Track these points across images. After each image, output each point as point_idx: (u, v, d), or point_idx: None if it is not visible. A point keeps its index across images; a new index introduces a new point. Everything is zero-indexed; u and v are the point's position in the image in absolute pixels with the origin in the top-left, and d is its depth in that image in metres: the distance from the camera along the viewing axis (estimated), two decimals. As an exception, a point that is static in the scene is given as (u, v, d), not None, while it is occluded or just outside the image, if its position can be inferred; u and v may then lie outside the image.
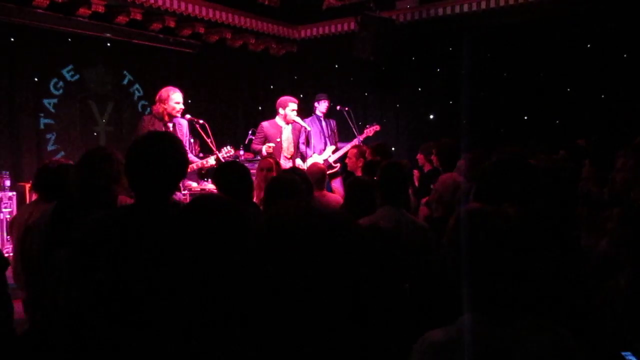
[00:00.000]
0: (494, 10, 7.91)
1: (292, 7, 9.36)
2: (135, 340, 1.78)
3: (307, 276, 1.24)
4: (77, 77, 7.92)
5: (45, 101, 7.60)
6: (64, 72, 7.78)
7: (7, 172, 6.59)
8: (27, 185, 6.30)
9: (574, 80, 7.60)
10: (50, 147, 7.61)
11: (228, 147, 5.95)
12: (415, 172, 6.50)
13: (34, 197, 4.03)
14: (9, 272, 2.65)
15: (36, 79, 7.46)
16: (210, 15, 8.29)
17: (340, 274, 1.26)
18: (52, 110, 7.67)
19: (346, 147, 6.94)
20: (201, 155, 6.65)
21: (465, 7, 8.12)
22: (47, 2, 7.04)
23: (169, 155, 2.08)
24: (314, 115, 7.38)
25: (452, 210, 3.39)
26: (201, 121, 5.73)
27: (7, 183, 6.47)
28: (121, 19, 7.79)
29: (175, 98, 5.35)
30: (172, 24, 8.19)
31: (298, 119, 6.51)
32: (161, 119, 5.35)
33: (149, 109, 7.77)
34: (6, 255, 4.54)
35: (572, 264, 2.21)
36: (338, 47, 9.22)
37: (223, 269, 1.52)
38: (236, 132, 9.56)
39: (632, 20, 6.95)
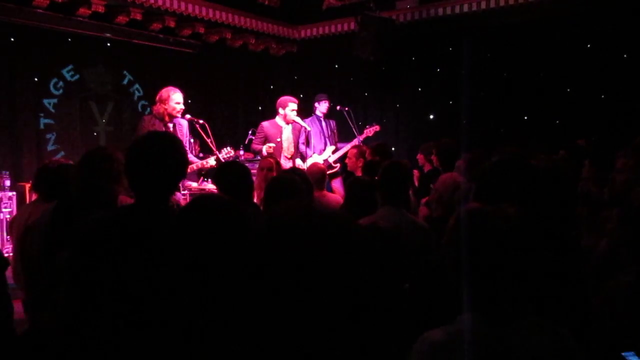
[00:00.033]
0: (494, 10, 7.91)
1: (292, 7, 9.36)
2: (136, 341, 1.78)
3: (307, 276, 1.24)
4: (77, 77, 7.93)
5: (45, 101, 7.60)
6: (64, 72, 7.78)
7: (7, 172, 6.60)
8: (27, 185, 6.30)
9: (574, 80, 7.59)
10: (50, 147, 7.61)
11: (228, 147, 5.95)
12: (415, 172, 6.50)
13: (34, 197, 4.03)
14: (8, 272, 2.65)
15: (36, 79, 7.46)
16: (210, 15, 8.29)
17: (340, 274, 1.26)
18: (52, 110, 7.67)
19: (346, 147, 6.94)
20: (201, 155, 6.66)
21: (465, 7, 8.12)
22: (47, 2, 7.05)
23: (169, 156, 2.08)
24: (314, 116, 7.38)
25: (451, 210, 3.39)
26: (201, 121, 5.73)
27: (7, 183, 6.48)
28: (121, 19, 7.79)
29: (175, 98, 5.35)
30: (172, 24, 8.19)
31: (298, 119, 6.51)
32: (161, 119, 5.35)
33: (149, 109, 7.78)
34: (6, 255, 4.55)
35: (572, 264, 2.21)
36: (338, 47, 9.22)
37: (223, 269, 1.52)
38: (236, 132, 9.56)
39: (632, 20, 6.95)
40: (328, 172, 6.06)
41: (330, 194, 5.25)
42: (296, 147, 6.65)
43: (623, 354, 1.78)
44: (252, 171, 3.98)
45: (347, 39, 8.89)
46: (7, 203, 6.31)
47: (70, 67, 7.83)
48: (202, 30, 8.59)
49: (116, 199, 2.80)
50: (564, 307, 1.96)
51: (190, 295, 1.52)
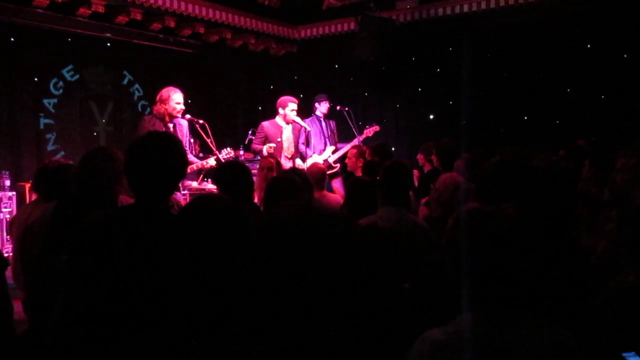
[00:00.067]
0: (494, 10, 7.91)
1: (292, 7, 9.36)
2: (135, 341, 1.78)
3: (307, 276, 1.24)
4: (77, 77, 7.93)
5: (45, 101, 7.60)
6: (64, 72, 7.78)
7: (7, 172, 6.60)
8: (27, 185, 6.30)
9: (574, 80, 7.59)
10: (50, 147, 7.61)
11: (228, 148, 5.95)
12: (415, 172, 6.50)
13: (34, 197, 4.03)
14: (8, 272, 2.65)
15: (36, 79, 7.46)
16: (210, 15, 8.29)
17: (339, 274, 1.26)
18: (52, 110, 7.67)
19: (346, 148, 6.94)
20: (201, 155, 6.65)
21: (465, 7, 8.12)
22: (47, 2, 7.05)
23: (168, 156, 2.08)
24: (314, 116, 7.38)
25: (450, 210, 3.39)
26: (201, 121, 5.73)
27: (7, 183, 6.48)
28: (121, 19, 7.79)
29: (176, 98, 5.36)
30: (172, 24, 8.19)
31: (298, 119, 6.51)
32: (162, 119, 5.35)
33: (149, 109, 7.79)
34: (6, 255, 4.55)
35: (572, 264, 2.21)
36: (338, 47, 9.21)
37: (223, 269, 1.52)
38: (236, 132, 9.56)
39: (632, 20, 6.95)
40: (328, 172, 6.06)
41: (330, 194, 5.26)
42: (296, 147, 6.65)
43: (623, 354, 1.78)
44: (253, 171, 3.98)
45: (347, 39, 8.89)
46: (7, 203, 6.31)
47: (70, 67, 7.83)
48: (202, 30, 8.59)
49: (116, 198, 2.80)
50: (564, 307, 1.96)
51: (190, 295, 1.52)
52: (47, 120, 7.60)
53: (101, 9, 7.37)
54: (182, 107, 5.39)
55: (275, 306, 1.26)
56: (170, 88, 5.43)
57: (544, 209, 2.15)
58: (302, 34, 9.77)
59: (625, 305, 2.03)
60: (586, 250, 2.66)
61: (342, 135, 7.64)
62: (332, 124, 7.47)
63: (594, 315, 2.04)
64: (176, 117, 5.41)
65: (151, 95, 6.16)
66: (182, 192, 5.53)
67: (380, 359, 1.76)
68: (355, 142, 7.09)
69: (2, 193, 6.31)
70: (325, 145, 7.21)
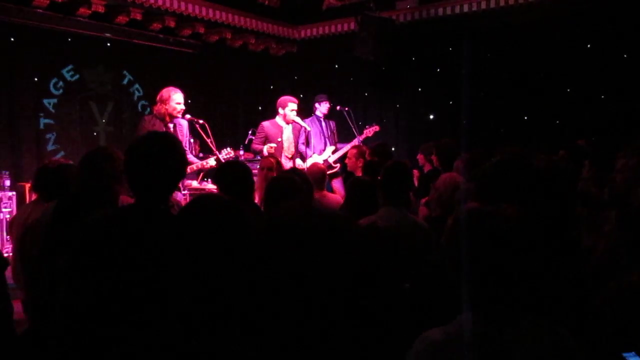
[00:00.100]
0: (494, 10, 7.91)
1: (292, 7, 9.36)
2: (135, 341, 1.78)
3: (307, 276, 1.24)
4: (77, 77, 7.93)
5: (45, 101, 7.60)
6: (64, 72, 7.79)
7: (7, 172, 6.60)
8: (27, 185, 6.30)
9: (574, 80, 7.59)
10: (50, 147, 7.62)
11: (228, 148, 5.95)
12: (415, 172, 6.50)
13: (34, 197, 4.03)
14: (8, 272, 2.65)
15: (36, 79, 7.47)
16: (210, 15, 8.29)
17: (339, 274, 1.26)
18: (52, 110, 7.67)
19: (346, 148, 6.94)
20: (201, 155, 6.65)
21: (465, 7, 8.12)
22: (47, 2, 7.05)
23: (168, 156, 2.08)
24: (314, 116, 7.38)
25: (450, 210, 3.39)
26: (201, 121, 5.73)
27: (7, 183, 6.48)
28: (121, 19, 7.79)
29: (176, 98, 5.36)
30: (172, 24, 8.20)
31: (298, 119, 6.52)
32: (162, 119, 5.35)
33: (149, 109, 7.79)
34: (6, 255, 4.55)
35: (572, 264, 2.21)
36: (338, 47, 9.22)
37: (223, 269, 1.52)
38: (236, 132, 9.57)
39: (632, 20, 6.95)
40: (328, 172, 6.06)
41: (330, 194, 5.25)
42: (296, 147, 6.65)
43: (623, 354, 1.78)
44: (253, 171, 3.98)
45: (347, 39, 8.90)
46: (7, 203, 6.31)
47: (70, 67, 7.83)
48: (202, 30, 8.59)
49: (117, 198, 2.80)
50: (564, 307, 1.96)
51: (190, 295, 1.52)
52: (47, 120, 7.61)
53: (101, 9, 7.38)
54: (182, 107, 5.39)
55: (275, 306, 1.26)
56: (171, 88, 5.43)
57: (544, 209, 2.15)
58: (302, 34, 9.77)
59: (625, 305, 2.03)
60: (586, 250, 2.66)
61: (342, 135, 7.64)
62: (332, 124, 7.47)
63: (594, 315, 2.04)
64: (176, 117, 5.41)
65: (151, 95, 6.16)
66: (182, 192, 5.53)
67: (380, 359, 1.76)
68: (355, 142, 7.09)
69: (2, 193, 6.31)
70: (325, 145, 7.21)
